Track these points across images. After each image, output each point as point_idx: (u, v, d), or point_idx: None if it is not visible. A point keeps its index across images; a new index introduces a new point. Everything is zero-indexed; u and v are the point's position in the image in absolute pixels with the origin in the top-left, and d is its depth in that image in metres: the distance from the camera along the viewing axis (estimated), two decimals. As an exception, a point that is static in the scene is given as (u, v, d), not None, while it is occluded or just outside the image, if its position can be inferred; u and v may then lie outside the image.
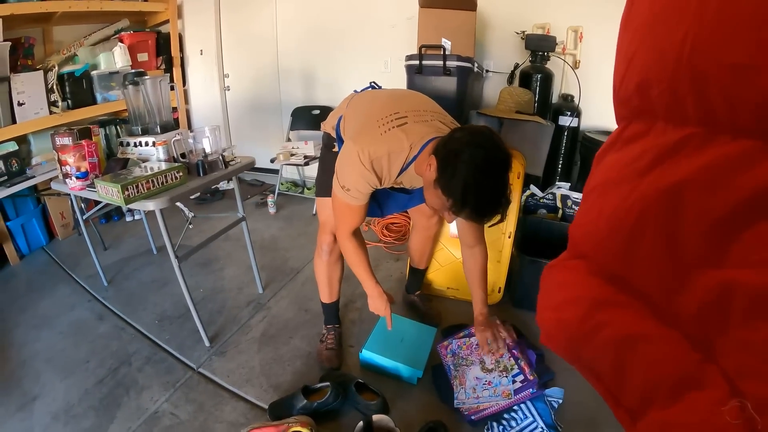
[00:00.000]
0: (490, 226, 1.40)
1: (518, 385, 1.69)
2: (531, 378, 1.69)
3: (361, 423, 1.61)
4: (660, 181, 0.65)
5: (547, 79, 2.74)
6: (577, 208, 2.27)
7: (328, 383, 1.82)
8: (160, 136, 2.30)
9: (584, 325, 0.81)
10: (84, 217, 2.66)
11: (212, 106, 4.59)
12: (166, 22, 4.23)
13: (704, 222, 0.59)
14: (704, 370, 0.61)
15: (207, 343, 2.21)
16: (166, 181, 2.00)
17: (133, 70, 2.70)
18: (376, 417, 1.63)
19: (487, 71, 3.08)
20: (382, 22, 3.37)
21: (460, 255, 2.27)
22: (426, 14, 2.67)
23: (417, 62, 2.61)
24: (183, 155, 2.29)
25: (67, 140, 2.30)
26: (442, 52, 2.53)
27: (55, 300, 2.73)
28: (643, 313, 0.72)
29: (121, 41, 3.88)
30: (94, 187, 2.06)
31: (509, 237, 2.24)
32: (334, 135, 1.76)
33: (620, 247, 0.75)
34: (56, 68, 3.39)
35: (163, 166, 2.08)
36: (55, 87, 3.38)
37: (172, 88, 2.61)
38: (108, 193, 1.96)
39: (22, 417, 1.92)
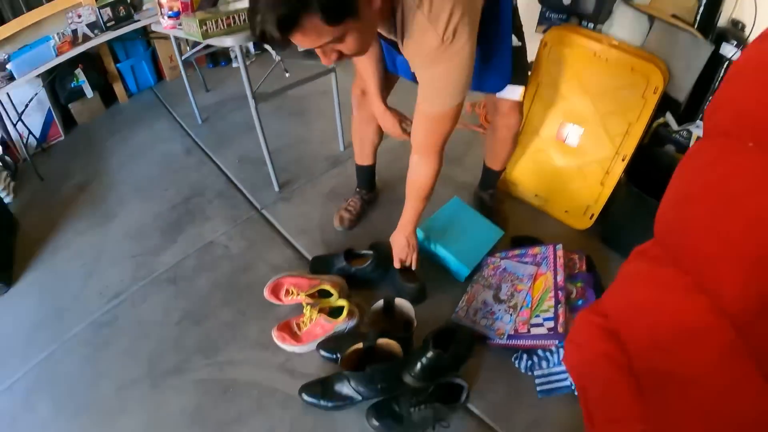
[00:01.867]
0: None
1: (543, 330, 1.48)
2: (560, 331, 1.46)
3: (381, 301, 1.58)
4: None
5: None
6: None
7: (371, 252, 1.80)
8: None
9: None
10: (183, 58, 2.76)
11: None
12: None
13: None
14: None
15: (276, 188, 2.30)
16: (239, 22, 1.96)
17: None
18: (398, 300, 1.59)
19: None
20: None
21: (561, 161, 2.00)
22: None
23: None
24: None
25: None
26: None
27: (152, 133, 3.00)
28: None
29: None
30: None
31: (623, 159, 1.85)
32: None
33: None
34: None
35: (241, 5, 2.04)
36: None
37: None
38: (190, 29, 1.98)
39: (100, 231, 2.24)
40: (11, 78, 2.80)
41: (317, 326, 1.62)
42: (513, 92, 1.60)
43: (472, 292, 1.73)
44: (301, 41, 0.98)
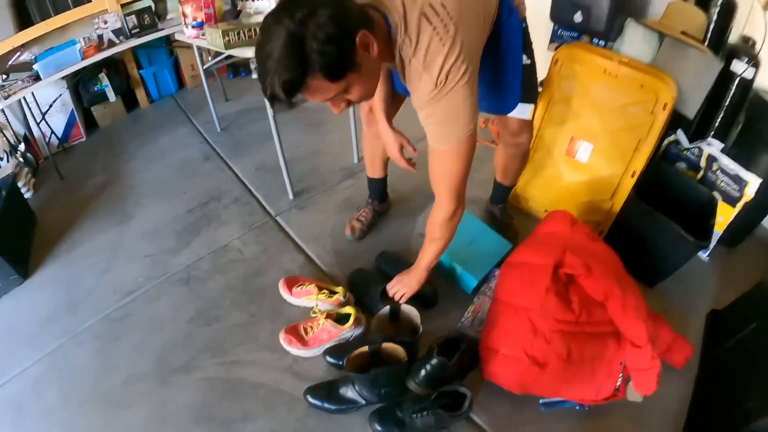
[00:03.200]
0: None
1: None
2: None
3: (387, 307, 1.62)
4: None
5: (730, 9, 2.14)
6: (723, 176, 1.86)
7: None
8: None
9: None
10: (204, 67, 2.85)
11: None
12: None
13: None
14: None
15: (291, 196, 2.36)
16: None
17: None
18: (404, 307, 1.62)
19: None
20: None
21: (572, 178, 2.04)
22: None
23: None
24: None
25: None
26: None
27: (172, 138, 3.09)
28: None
29: None
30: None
31: (632, 176, 1.88)
32: None
33: None
34: None
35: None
36: None
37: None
38: (213, 39, 2.06)
39: (118, 230, 2.32)
40: (37, 78, 2.90)
41: (324, 331, 1.66)
42: (523, 111, 1.61)
43: (479, 303, 1.77)
44: (310, 98, 1.05)
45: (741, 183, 1.83)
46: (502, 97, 1.54)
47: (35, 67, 2.89)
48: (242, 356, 1.69)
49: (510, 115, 1.62)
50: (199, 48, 2.82)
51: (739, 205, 1.86)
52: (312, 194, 2.44)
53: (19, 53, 3.05)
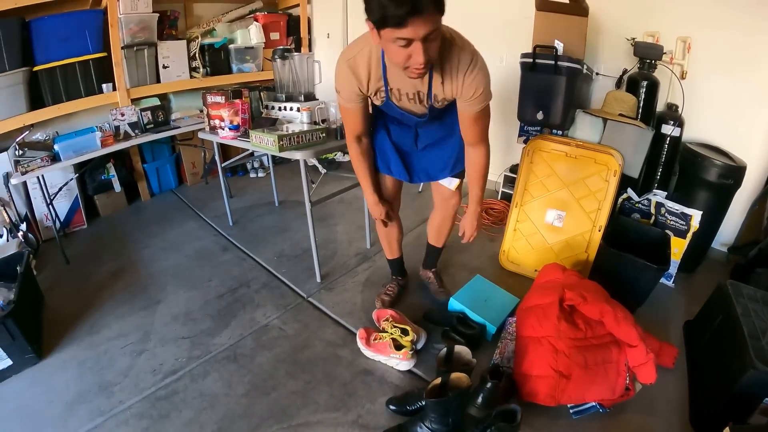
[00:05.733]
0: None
1: None
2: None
3: (445, 348, 1.84)
4: None
5: (653, 86, 2.82)
6: (671, 216, 2.42)
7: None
8: (304, 103, 2.67)
9: None
10: (223, 165, 3.08)
11: (321, 85, 4.87)
12: (297, 5, 4.65)
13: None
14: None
15: (318, 279, 2.56)
16: (312, 139, 2.37)
17: (281, 47, 3.06)
18: (458, 348, 1.86)
19: (596, 74, 3.21)
20: (501, 19, 3.53)
21: (553, 240, 2.51)
22: (541, 17, 2.85)
23: (531, 60, 2.78)
24: (323, 121, 2.67)
25: (219, 98, 2.76)
26: (554, 53, 2.71)
27: (183, 231, 3.22)
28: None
29: (256, 20, 4.35)
30: (246, 137, 2.52)
31: (599, 230, 2.39)
32: None
33: None
34: (199, 39, 3.94)
35: (305, 127, 2.45)
36: (197, 55, 3.94)
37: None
38: (262, 141, 2.34)
39: (144, 314, 2.40)
40: (55, 159, 3.02)
41: (384, 346, 1.96)
42: (451, 183, 2.03)
43: (502, 346, 2.06)
44: (421, 27, 1.23)
45: (686, 218, 2.39)
46: (441, 167, 1.98)
47: (56, 147, 3.01)
48: (308, 418, 1.78)
49: (443, 182, 2.04)
50: (204, 148, 3.02)
51: (689, 236, 2.39)
52: (336, 277, 2.64)
53: (27, 131, 3.18)
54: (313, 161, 3.80)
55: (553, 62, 2.72)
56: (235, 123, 2.64)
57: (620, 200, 2.67)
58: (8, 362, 2.15)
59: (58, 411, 1.93)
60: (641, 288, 2.21)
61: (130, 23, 3.50)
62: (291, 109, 2.68)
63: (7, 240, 3.10)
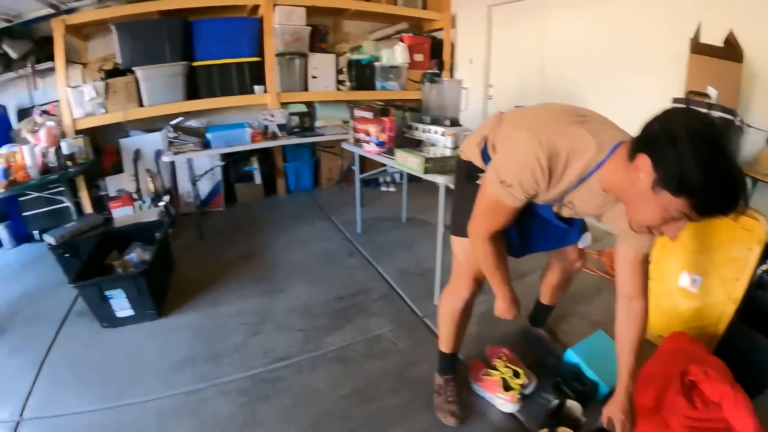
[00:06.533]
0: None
1: None
2: None
3: (556, 401, 1.68)
4: None
5: None
6: None
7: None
8: (450, 128, 2.60)
9: None
10: (362, 176, 3.14)
11: (474, 111, 4.64)
12: (441, 29, 4.72)
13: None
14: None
15: (436, 301, 2.44)
16: (450, 165, 2.27)
17: (431, 71, 3.10)
18: (569, 402, 1.69)
19: (747, 125, 2.87)
20: (651, 60, 3.30)
21: (684, 306, 2.20)
22: (696, 60, 2.61)
23: (683, 107, 2.56)
24: (462, 148, 2.61)
25: (367, 114, 2.82)
26: (707, 100, 2.47)
27: (312, 230, 3.32)
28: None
29: (402, 41, 4.44)
30: (389, 154, 2.56)
31: (734, 303, 2.04)
32: (480, 163, 1.47)
33: None
34: (348, 54, 4.13)
35: (448, 152, 2.40)
36: (344, 69, 4.13)
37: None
38: (407, 161, 2.34)
39: (265, 300, 2.47)
40: (205, 146, 3.25)
41: (493, 384, 1.82)
42: (585, 240, 1.72)
43: None
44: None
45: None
46: (574, 231, 1.65)
47: (208, 136, 3.24)
48: (403, 435, 1.68)
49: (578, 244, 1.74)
50: (342, 158, 3.07)
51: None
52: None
53: (181, 117, 3.47)
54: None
55: (706, 110, 2.48)
56: (381, 139, 2.68)
57: (759, 271, 2.30)
58: (130, 312, 2.33)
59: (165, 366, 2.02)
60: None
61: (284, 33, 3.79)
62: (436, 132, 2.66)
63: (149, 207, 3.41)
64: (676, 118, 0.98)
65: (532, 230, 1.55)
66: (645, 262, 1.39)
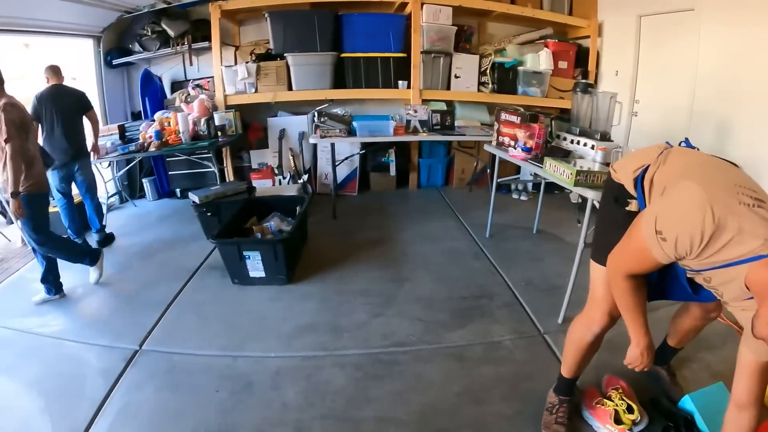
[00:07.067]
0: None
1: None
2: None
3: None
4: None
5: None
6: None
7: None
8: (600, 142, 2.47)
9: None
10: (497, 180, 3.09)
11: (619, 127, 4.41)
12: (587, 37, 4.44)
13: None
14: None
15: (560, 320, 2.36)
16: (599, 180, 2.17)
17: (584, 80, 2.99)
18: None
19: None
20: None
21: None
22: None
23: None
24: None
25: (513, 118, 2.77)
26: None
27: (441, 227, 3.36)
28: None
29: (547, 46, 4.25)
30: (537, 161, 2.48)
31: None
32: (631, 188, 1.40)
33: None
34: (492, 57, 4.06)
35: (596, 167, 2.26)
36: (487, 71, 4.09)
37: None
38: (557, 171, 2.26)
39: (391, 286, 2.57)
40: (350, 133, 3.42)
41: (604, 414, 1.75)
42: None
43: None
44: None
45: None
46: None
47: (354, 124, 3.40)
48: (506, 444, 1.66)
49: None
50: (477, 161, 3.05)
51: None
52: (576, 323, 2.43)
53: (327, 104, 3.67)
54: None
55: None
56: (529, 146, 2.62)
57: None
58: (262, 274, 2.54)
59: (287, 329, 2.17)
60: None
61: (430, 32, 3.86)
62: (585, 144, 2.56)
63: (288, 183, 3.67)
64: None
65: (670, 276, 1.43)
66: (765, 371, 1.24)
